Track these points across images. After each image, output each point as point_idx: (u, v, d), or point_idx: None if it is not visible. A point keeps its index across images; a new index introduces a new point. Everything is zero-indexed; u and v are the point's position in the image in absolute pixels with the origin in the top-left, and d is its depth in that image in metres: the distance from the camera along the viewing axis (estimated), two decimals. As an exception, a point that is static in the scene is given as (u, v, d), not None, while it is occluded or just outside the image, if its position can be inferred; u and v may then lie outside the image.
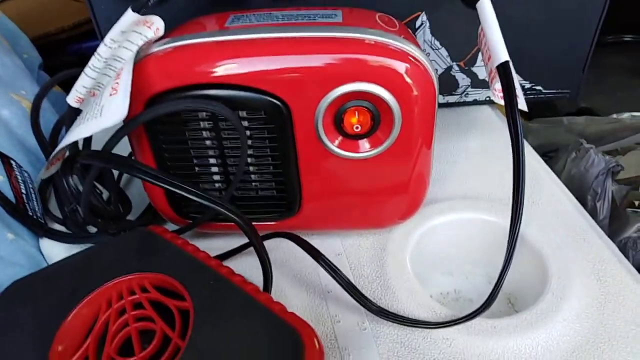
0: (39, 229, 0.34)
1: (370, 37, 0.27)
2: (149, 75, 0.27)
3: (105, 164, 0.28)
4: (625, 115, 0.76)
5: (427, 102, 0.28)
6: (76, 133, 0.26)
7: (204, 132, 0.28)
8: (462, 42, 0.39)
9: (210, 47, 0.27)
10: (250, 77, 0.27)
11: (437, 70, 0.40)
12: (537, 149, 0.59)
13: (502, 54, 0.29)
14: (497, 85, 0.29)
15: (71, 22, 0.68)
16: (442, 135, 0.41)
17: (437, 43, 0.39)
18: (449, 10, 0.36)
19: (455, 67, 0.40)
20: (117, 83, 0.26)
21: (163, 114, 0.26)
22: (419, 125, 0.28)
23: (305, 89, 0.27)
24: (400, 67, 0.26)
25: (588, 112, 0.84)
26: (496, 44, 0.29)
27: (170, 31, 0.29)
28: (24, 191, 0.35)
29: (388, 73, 0.26)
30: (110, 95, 0.26)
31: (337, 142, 0.28)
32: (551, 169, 0.42)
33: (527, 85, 0.41)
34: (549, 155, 0.60)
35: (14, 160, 0.37)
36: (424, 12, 0.37)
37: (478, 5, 0.30)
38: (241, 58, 0.27)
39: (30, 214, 0.34)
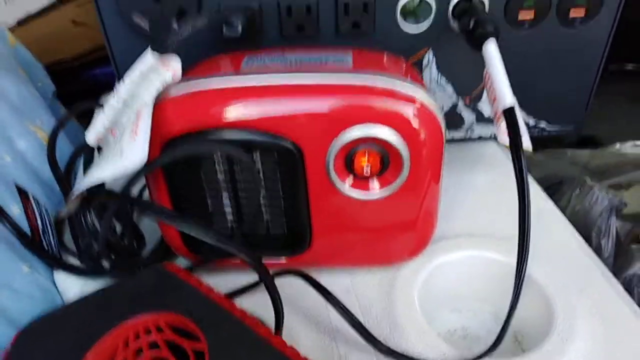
0: (54, 262, 0.34)
1: (378, 83, 0.28)
2: (166, 119, 0.28)
3: (124, 205, 0.29)
4: (629, 143, 0.77)
5: (435, 144, 0.28)
6: (96, 176, 0.27)
7: (218, 173, 0.29)
8: (468, 79, 0.40)
9: (225, 92, 0.28)
10: (263, 121, 0.27)
11: (442, 106, 0.41)
12: (542, 181, 0.60)
13: (507, 98, 0.30)
14: (503, 125, 0.30)
15: (85, 49, 0.70)
16: (448, 171, 0.41)
17: (443, 80, 0.40)
18: (455, 48, 0.37)
19: (461, 104, 0.41)
20: (137, 127, 0.27)
21: (180, 157, 0.27)
22: (427, 166, 0.28)
23: (317, 133, 0.28)
24: (408, 112, 0.27)
25: (591, 140, 0.85)
26: (502, 87, 0.30)
27: (187, 70, 0.31)
28: (39, 224, 0.36)
29: (396, 118, 0.27)
30: (130, 139, 0.27)
31: (347, 183, 0.29)
32: (556, 204, 0.42)
33: (532, 122, 0.42)
34: (553, 188, 0.60)
35: (31, 193, 0.38)
36: (430, 49, 0.38)
37: (484, 48, 0.32)
38: (255, 103, 0.28)
39: (46, 247, 0.35)
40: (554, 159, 0.57)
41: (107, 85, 0.36)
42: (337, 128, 0.27)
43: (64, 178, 0.40)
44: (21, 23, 0.73)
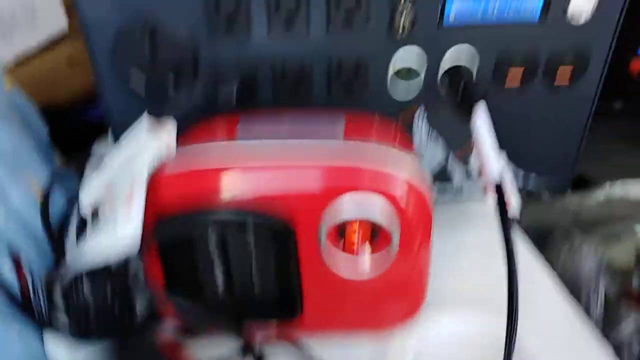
0: (44, 326, 0.34)
1: (368, 159, 0.28)
2: (159, 198, 0.28)
3: (117, 281, 0.29)
4: (618, 183, 0.78)
5: (423, 220, 0.29)
6: (89, 258, 0.27)
7: (211, 248, 0.29)
8: (458, 136, 0.40)
9: (218, 172, 0.28)
10: (255, 201, 0.28)
11: (433, 164, 0.42)
12: (532, 229, 0.61)
13: (495, 174, 0.30)
14: (491, 197, 0.30)
15: (78, 90, 0.70)
16: (437, 231, 0.42)
17: (433, 137, 0.40)
18: (444, 108, 0.38)
19: (451, 161, 0.42)
20: (131, 207, 0.27)
21: (174, 237, 0.28)
22: (416, 240, 0.29)
23: (307, 213, 0.28)
24: (396, 191, 0.28)
25: (582, 179, 0.86)
26: (489, 161, 0.31)
27: (181, 136, 0.31)
28: (30, 286, 0.36)
29: (384, 199, 0.28)
30: (124, 220, 0.27)
31: (338, 258, 0.29)
32: (546, 257, 0.43)
33: (521, 173, 0.43)
34: (544, 237, 0.61)
35: (23, 252, 0.38)
36: (421, 108, 0.39)
37: (472, 119, 0.32)
38: (247, 183, 0.28)
39: (35, 310, 0.35)
40: (545, 206, 0.57)
41: (99, 126, 0.37)
42: (327, 207, 0.28)
43: (57, 237, 0.40)
44: (18, 60, 0.73)
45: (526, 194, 0.47)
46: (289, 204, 0.28)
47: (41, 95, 0.69)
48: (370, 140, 0.30)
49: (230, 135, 0.31)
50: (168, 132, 0.29)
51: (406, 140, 0.33)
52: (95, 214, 0.33)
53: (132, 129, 0.29)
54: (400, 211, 0.27)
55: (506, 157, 0.41)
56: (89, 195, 0.31)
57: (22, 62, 0.74)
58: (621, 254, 0.49)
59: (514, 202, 0.37)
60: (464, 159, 0.42)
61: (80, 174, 0.61)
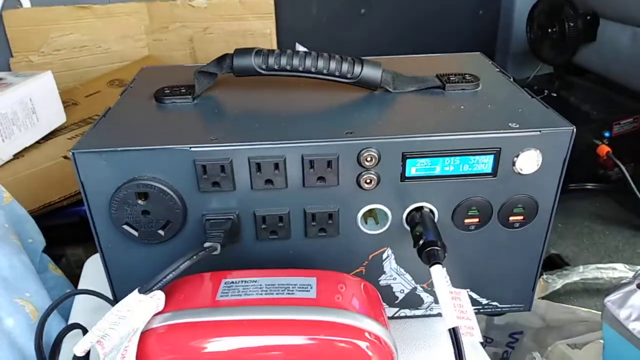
0: None
1: (336, 318, 0.32)
2: (148, 351, 0.31)
3: None
4: (592, 267, 0.82)
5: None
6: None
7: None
8: (424, 268, 0.44)
9: (202, 327, 0.32)
10: (235, 355, 0.31)
11: (403, 290, 0.45)
12: (505, 327, 0.64)
13: (451, 320, 0.34)
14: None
15: (73, 190, 0.74)
16: (409, 347, 0.45)
17: (402, 270, 0.44)
18: (410, 247, 0.41)
19: (420, 288, 0.45)
20: (127, 352, 0.30)
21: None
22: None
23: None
24: (363, 345, 0.31)
25: (557, 260, 0.90)
26: (446, 307, 0.34)
27: (169, 292, 0.34)
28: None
29: (353, 352, 0.31)
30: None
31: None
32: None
33: (485, 302, 0.46)
34: (514, 337, 0.64)
35: (16, 385, 0.40)
36: (388, 248, 0.43)
37: (431, 270, 0.36)
38: (228, 338, 0.31)
39: None
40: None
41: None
42: (300, 362, 0.31)
43: (49, 364, 0.43)
44: (17, 155, 0.77)
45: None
46: (264, 357, 0.31)
47: (39, 199, 0.72)
48: (341, 307, 0.33)
49: (212, 301, 0.34)
50: (158, 299, 0.33)
51: (375, 297, 0.37)
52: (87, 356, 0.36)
53: (123, 302, 0.32)
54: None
55: (468, 294, 0.45)
56: (83, 344, 0.34)
57: (22, 155, 0.78)
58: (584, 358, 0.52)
59: (476, 330, 0.40)
60: (430, 289, 0.45)
61: (71, 277, 0.64)
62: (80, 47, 1.01)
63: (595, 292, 0.82)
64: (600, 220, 1.01)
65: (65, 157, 0.80)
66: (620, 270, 0.78)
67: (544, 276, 0.75)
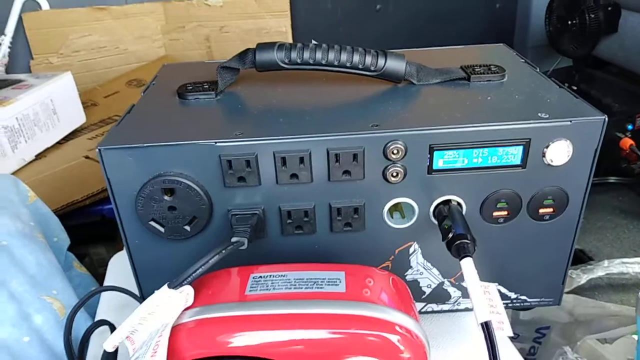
0: None
1: (366, 311, 0.31)
2: (178, 345, 0.31)
3: None
4: (617, 262, 0.80)
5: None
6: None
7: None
8: (451, 263, 0.43)
9: (231, 322, 0.32)
10: (265, 349, 0.31)
11: (430, 285, 0.45)
12: (531, 323, 0.63)
13: (483, 313, 0.33)
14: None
15: (95, 189, 0.75)
16: (437, 341, 0.45)
17: (429, 264, 0.43)
18: (437, 241, 0.41)
19: (447, 283, 0.45)
20: (155, 354, 0.30)
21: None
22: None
23: (313, 360, 0.31)
24: (394, 339, 0.31)
25: (580, 255, 0.88)
26: (477, 303, 0.34)
27: (198, 286, 0.34)
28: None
29: (383, 346, 0.31)
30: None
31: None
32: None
33: (513, 296, 0.46)
34: (541, 332, 0.63)
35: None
36: (415, 242, 0.42)
37: (461, 264, 0.36)
38: (257, 332, 0.31)
39: None
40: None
41: (114, 220, 0.40)
42: (332, 357, 0.31)
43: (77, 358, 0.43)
44: (39, 156, 0.78)
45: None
46: (293, 352, 0.31)
47: (62, 197, 0.73)
48: (370, 300, 0.33)
49: (242, 292, 0.34)
50: (186, 291, 0.32)
51: (404, 289, 0.36)
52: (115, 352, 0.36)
53: (154, 297, 0.32)
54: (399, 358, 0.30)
55: (497, 287, 0.44)
56: (114, 340, 0.34)
57: (45, 155, 0.79)
58: (612, 353, 0.51)
59: (506, 324, 0.40)
60: (458, 284, 0.45)
61: (94, 276, 0.65)
62: (99, 48, 1.02)
63: (621, 287, 0.80)
64: (624, 215, 0.99)
65: (87, 157, 0.80)
66: (646, 265, 0.76)
67: (568, 271, 0.74)
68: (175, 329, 0.32)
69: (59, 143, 0.82)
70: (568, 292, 0.72)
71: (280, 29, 1.05)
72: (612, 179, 1.03)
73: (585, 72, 1.12)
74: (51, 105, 0.80)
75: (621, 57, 1.03)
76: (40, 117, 0.77)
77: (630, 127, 0.97)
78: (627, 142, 0.96)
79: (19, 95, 0.74)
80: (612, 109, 0.98)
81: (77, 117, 0.86)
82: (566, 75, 1.13)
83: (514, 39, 1.29)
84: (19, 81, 0.80)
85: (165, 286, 0.33)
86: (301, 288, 0.33)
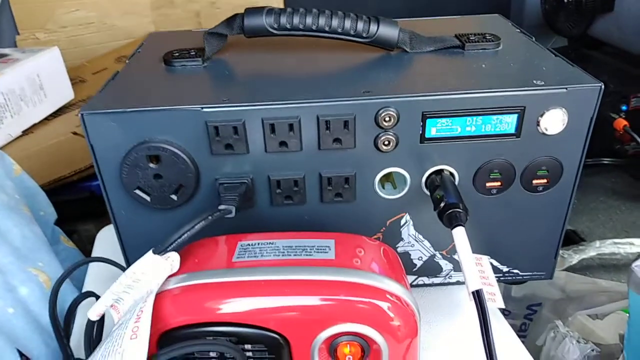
0: None
1: (356, 278, 0.31)
2: (163, 312, 0.30)
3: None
4: (608, 242, 0.80)
5: (410, 331, 0.31)
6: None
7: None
8: (443, 235, 0.43)
9: (218, 288, 0.31)
10: (252, 315, 0.30)
11: (421, 257, 0.44)
12: (522, 299, 0.63)
13: (474, 282, 0.33)
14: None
15: (83, 165, 0.73)
16: (428, 315, 0.44)
17: (421, 236, 0.43)
18: (429, 212, 0.40)
19: (439, 255, 0.44)
20: (137, 326, 0.29)
21: (177, 355, 0.30)
22: (405, 350, 0.31)
23: (302, 327, 0.30)
24: (384, 306, 0.30)
25: (572, 235, 0.88)
26: (468, 272, 0.33)
27: (184, 253, 0.33)
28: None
29: (373, 313, 0.30)
30: (131, 339, 0.29)
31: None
32: (533, 340, 0.45)
33: (505, 269, 0.45)
34: (533, 309, 0.63)
35: (31, 354, 0.40)
36: (407, 213, 0.41)
37: (453, 233, 0.35)
38: (245, 299, 0.31)
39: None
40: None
41: (103, 197, 0.39)
42: (319, 322, 0.30)
43: (63, 331, 0.42)
44: (25, 132, 0.76)
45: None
46: (282, 318, 0.30)
47: (49, 172, 0.72)
48: (360, 268, 0.32)
49: (229, 259, 0.34)
50: (172, 259, 0.32)
51: (394, 258, 0.36)
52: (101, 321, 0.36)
53: (139, 261, 0.31)
54: (389, 325, 0.30)
55: (489, 260, 0.44)
56: (98, 308, 0.33)
57: (32, 131, 0.77)
58: (603, 328, 0.51)
59: (498, 296, 0.39)
60: (451, 256, 0.44)
61: (83, 253, 0.64)
62: (87, 24, 0.99)
63: (612, 267, 0.80)
64: (616, 196, 0.99)
65: (75, 133, 0.79)
66: (638, 245, 0.76)
67: (560, 251, 0.74)
68: (160, 296, 0.31)
69: (46, 119, 0.80)
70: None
71: (273, 3, 1.03)
72: (605, 160, 1.03)
73: (580, 52, 1.11)
74: (38, 80, 0.78)
75: (616, 37, 1.02)
76: (26, 92, 0.75)
77: (624, 107, 0.97)
78: (620, 122, 0.95)
79: (4, 70, 0.72)
80: (607, 89, 0.97)
81: (65, 93, 0.84)
82: (561, 55, 1.12)
83: (509, 16, 1.28)
84: (4, 55, 0.78)
85: (150, 252, 0.32)
86: (290, 255, 0.33)
